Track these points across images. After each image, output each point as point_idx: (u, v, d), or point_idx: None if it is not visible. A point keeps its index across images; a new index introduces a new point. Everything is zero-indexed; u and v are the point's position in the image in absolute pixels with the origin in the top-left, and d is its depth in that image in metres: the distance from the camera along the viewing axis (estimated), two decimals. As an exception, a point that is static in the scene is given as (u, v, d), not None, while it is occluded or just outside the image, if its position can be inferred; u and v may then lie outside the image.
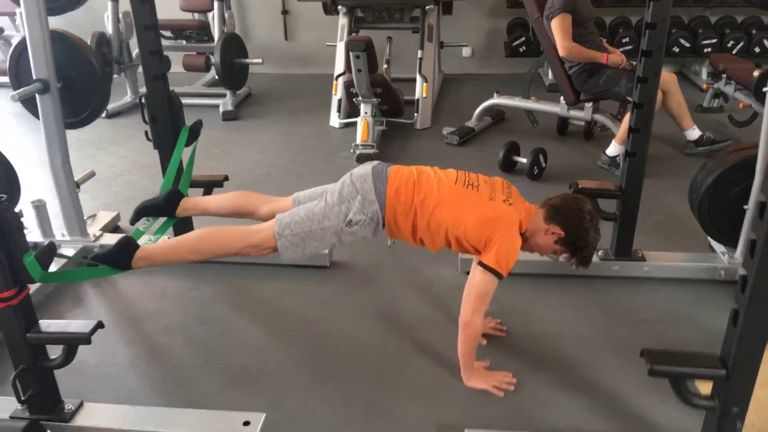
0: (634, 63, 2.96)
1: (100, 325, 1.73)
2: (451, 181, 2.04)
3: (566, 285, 2.63)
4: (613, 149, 3.81)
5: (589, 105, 3.99)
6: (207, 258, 2.14)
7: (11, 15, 5.62)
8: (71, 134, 2.94)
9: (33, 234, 2.87)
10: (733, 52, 5.31)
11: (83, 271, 2.01)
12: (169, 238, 2.61)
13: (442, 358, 2.22)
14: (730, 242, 2.64)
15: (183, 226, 2.62)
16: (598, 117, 4.02)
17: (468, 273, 2.04)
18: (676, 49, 5.37)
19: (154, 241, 2.22)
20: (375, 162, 2.14)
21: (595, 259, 2.67)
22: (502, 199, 2.02)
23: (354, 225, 2.02)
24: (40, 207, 2.79)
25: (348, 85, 4.14)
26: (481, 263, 1.96)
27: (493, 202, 2.00)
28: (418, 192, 2.00)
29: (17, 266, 1.61)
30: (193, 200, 2.39)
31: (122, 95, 5.21)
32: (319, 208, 2.04)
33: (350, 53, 3.78)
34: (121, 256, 1.97)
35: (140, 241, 2.09)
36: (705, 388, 1.80)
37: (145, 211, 2.33)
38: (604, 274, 2.68)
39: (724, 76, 4.51)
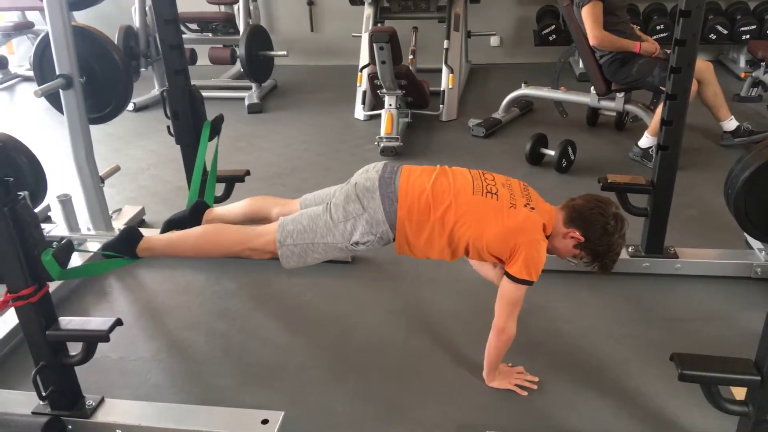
0: (668, 51, 2.85)
1: (118, 322, 1.73)
2: (469, 191, 1.89)
3: (594, 282, 2.55)
4: (646, 141, 3.69)
5: (620, 95, 3.88)
6: (207, 257, 2.13)
7: (42, 9, 5.70)
8: (98, 128, 2.97)
9: (59, 228, 2.91)
10: (773, 38, 5.11)
11: (98, 264, 2.03)
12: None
13: (464, 356, 2.18)
14: (768, 239, 2.54)
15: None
16: (629, 107, 3.91)
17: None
18: (712, 36, 5.18)
19: None
20: (380, 166, 1.98)
21: (625, 255, 2.60)
22: (522, 203, 1.90)
23: (361, 245, 1.92)
24: (65, 201, 2.82)
25: (372, 77, 4.09)
26: (508, 274, 1.88)
27: (514, 209, 1.88)
28: (435, 208, 1.86)
29: (35, 264, 1.61)
30: (216, 212, 2.37)
31: (150, 88, 5.26)
32: (323, 221, 1.93)
33: (374, 45, 3.73)
34: (124, 245, 1.98)
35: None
36: (740, 392, 1.73)
37: (173, 224, 2.32)
38: (635, 271, 2.59)
39: (763, 64, 4.33)
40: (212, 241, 2.04)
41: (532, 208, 1.91)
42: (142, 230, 2.10)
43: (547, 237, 1.92)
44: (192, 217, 2.32)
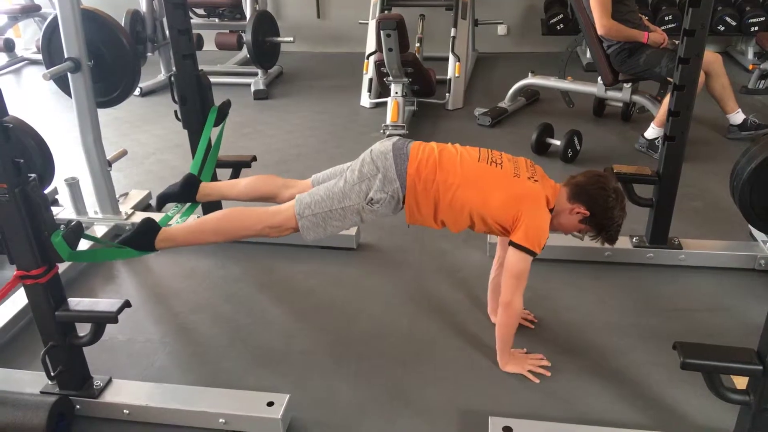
0: (676, 42, 2.84)
1: (127, 304, 1.75)
2: (474, 159, 1.99)
3: (599, 272, 2.56)
4: (652, 132, 3.69)
5: (627, 86, 3.86)
6: (228, 239, 2.14)
7: (49, -7, 5.69)
8: (105, 112, 2.98)
9: (67, 211, 2.93)
10: (782, 30, 5.07)
11: (111, 251, 2.03)
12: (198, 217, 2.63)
13: (468, 343, 2.19)
14: (773, 231, 2.54)
15: (212, 208, 2.63)
16: (636, 98, 3.89)
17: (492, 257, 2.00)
18: (721, 28, 5.15)
19: (180, 223, 2.24)
20: (395, 138, 2.09)
21: (629, 246, 2.60)
22: (526, 176, 1.98)
23: (375, 203, 1.98)
24: (73, 185, 2.84)
25: (379, 65, 4.08)
26: (512, 242, 1.93)
27: (517, 179, 1.96)
28: (440, 171, 1.95)
29: (45, 245, 1.63)
30: (212, 185, 2.39)
31: (156, 73, 5.25)
32: (338, 187, 2.01)
33: (381, 32, 3.72)
34: (142, 238, 1.98)
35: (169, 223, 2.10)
36: (741, 381, 1.74)
37: (164, 199, 2.36)
38: (638, 261, 2.60)
39: (771, 56, 4.32)
40: (232, 223, 2.06)
41: (536, 181, 1.98)
42: (152, 215, 2.11)
43: (550, 210, 1.97)
44: (184, 191, 2.34)
